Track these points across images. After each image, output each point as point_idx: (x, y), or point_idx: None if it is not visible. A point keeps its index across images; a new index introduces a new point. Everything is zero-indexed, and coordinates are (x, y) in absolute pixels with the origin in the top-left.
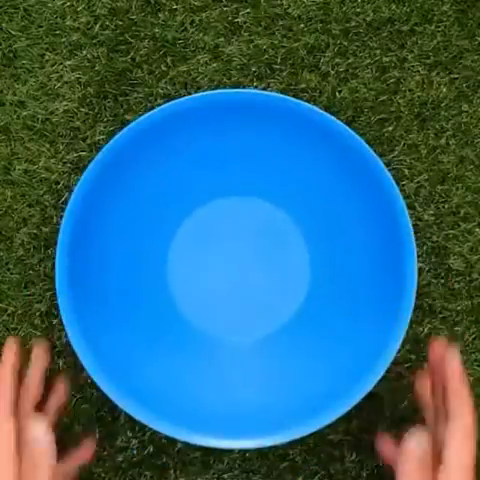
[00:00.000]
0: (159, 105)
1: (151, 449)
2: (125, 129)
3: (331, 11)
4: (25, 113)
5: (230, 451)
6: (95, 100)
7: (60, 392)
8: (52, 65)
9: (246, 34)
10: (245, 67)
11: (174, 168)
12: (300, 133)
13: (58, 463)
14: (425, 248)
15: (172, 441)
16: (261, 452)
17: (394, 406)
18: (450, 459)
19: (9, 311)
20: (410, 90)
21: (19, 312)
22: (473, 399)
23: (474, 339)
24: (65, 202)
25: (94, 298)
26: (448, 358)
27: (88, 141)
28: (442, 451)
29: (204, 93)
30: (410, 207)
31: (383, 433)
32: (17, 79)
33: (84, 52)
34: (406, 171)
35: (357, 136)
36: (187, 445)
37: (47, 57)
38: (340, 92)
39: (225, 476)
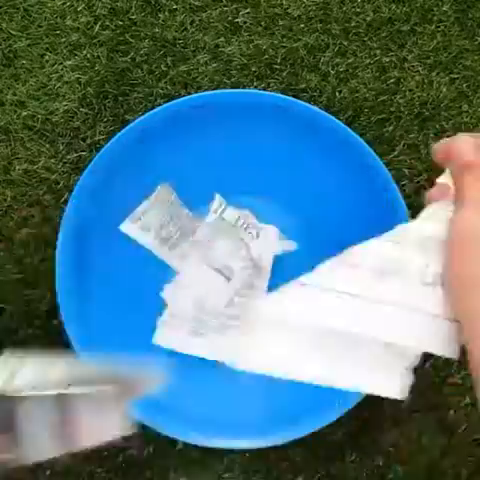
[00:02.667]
0: (159, 105)
1: (151, 449)
2: (123, 130)
3: (331, 11)
4: (25, 113)
5: (230, 451)
6: (95, 100)
7: None
8: (52, 65)
9: (246, 34)
10: (245, 67)
11: (172, 168)
12: (300, 132)
13: None
14: None
15: (172, 441)
16: (261, 452)
17: (394, 406)
18: None
19: (9, 311)
20: (410, 90)
21: (19, 312)
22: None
23: None
24: (65, 202)
25: (96, 298)
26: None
27: (88, 141)
28: None
29: (204, 93)
30: (410, 207)
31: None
32: (17, 79)
33: (84, 52)
34: (406, 171)
35: (356, 136)
36: (187, 445)
37: (47, 57)
38: (340, 92)
39: (225, 476)
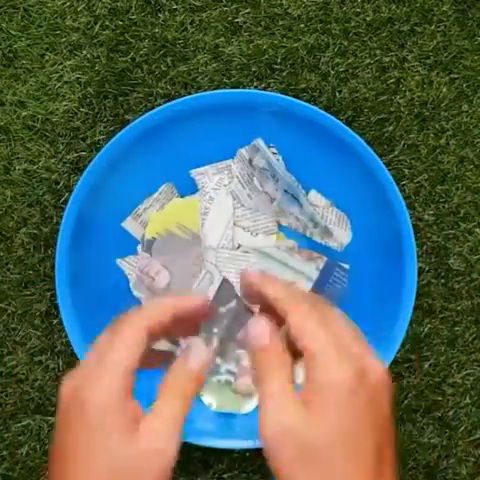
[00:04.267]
0: (159, 105)
1: None
2: (123, 130)
3: (331, 11)
4: (25, 113)
5: (230, 451)
6: (95, 100)
7: None
8: (52, 65)
9: (246, 34)
10: (245, 67)
11: (172, 167)
12: (300, 132)
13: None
14: (425, 248)
15: None
16: (261, 452)
17: (394, 406)
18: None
19: (9, 311)
20: (410, 90)
21: (19, 312)
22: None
23: (474, 339)
24: (65, 202)
25: (94, 297)
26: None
27: (88, 141)
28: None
29: (204, 93)
30: (410, 207)
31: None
32: (17, 79)
33: (84, 52)
34: (406, 171)
35: (356, 136)
36: (187, 445)
37: (47, 57)
38: (340, 92)
39: (225, 476)
